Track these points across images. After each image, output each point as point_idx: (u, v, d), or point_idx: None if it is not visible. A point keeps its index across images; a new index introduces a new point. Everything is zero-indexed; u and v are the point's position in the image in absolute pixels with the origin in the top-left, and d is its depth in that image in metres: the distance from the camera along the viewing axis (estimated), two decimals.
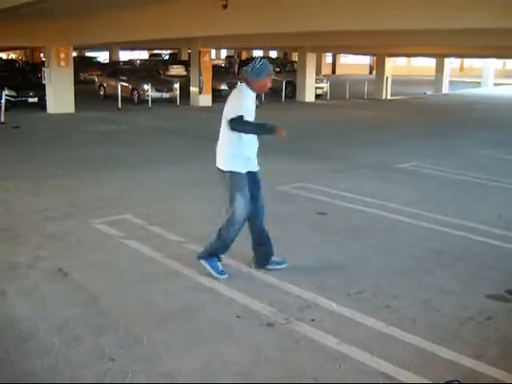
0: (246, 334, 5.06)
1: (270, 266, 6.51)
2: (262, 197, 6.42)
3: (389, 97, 34.73)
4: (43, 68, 25.04)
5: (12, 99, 23.83)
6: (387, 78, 35.09)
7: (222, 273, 6.29)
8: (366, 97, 32.71)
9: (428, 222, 8.50)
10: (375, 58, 41.70)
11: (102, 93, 31.08)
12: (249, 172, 6.26)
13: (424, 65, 58.64)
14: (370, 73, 60.57)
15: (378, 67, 36.44)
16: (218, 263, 6.36)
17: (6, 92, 22.61)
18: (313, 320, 5.29)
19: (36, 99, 24.89)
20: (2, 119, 20.09)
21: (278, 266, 6.52)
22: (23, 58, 57.11)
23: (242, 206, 6.12)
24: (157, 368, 4.50)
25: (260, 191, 6.38)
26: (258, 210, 6.37)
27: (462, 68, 62.58)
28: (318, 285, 6.11)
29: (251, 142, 6.27)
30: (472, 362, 4.64)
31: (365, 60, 65.55)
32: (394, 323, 5.25)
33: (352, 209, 9.27)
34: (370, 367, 4.53)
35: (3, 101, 21.15)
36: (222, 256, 6.45)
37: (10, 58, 59.12)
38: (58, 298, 5.80)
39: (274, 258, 6.55)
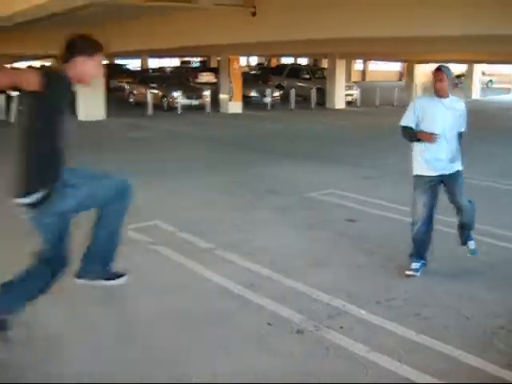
0: (275, 342, 5.04)
1: None
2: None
3: None
4: None
5: None
6: (416, 84, 34.90)
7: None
8: (396, 103, 32.52)
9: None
10: (405, 64, 41.55)
11: (131, 100, 31.31)
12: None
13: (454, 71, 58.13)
14: (400, 79, 60.30)
15: (408, 73, 36.29)
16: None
17: None
18: (342, 327, 5.26)
19: None
20: None
21: None
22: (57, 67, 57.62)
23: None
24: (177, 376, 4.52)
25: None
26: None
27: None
28: (347, 292, 6.08)
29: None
30: (503, 371, 4.58)
31: (395, 66, 65.30)
32: (425, 331, 5.19)
33: (383, 216, 9.21)
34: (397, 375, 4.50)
35: None
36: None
37: (42, 65, 59.82)
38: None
39: None
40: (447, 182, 6.66)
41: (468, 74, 41.02)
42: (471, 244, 6.88)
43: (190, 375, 4.47)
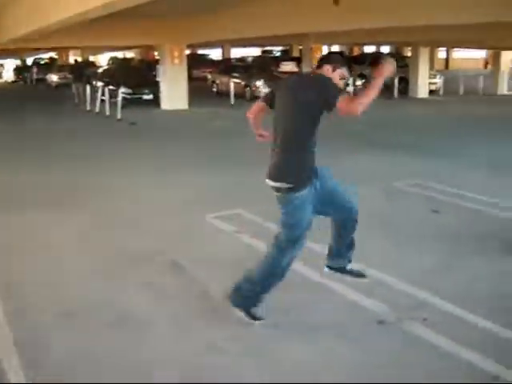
0: (357, 333, 5.03)
1: None
2: None
3: (505, 92, 33.59)
4: (157, 66, 25.68)
5: (128, 96, 24.59)
6: (503, 72, 33.96)
7: None
8: (481, 92, 31.80)
9: None
10: (491, 51, 40.53)
11: (214, 89, 31.61)
12: None
13: None
14: (485, 67, 58.80)
15: (494, 61, 35.36)
16: None
17: (122, 90, 23.33)
18: (425, 319, 5.20)
19: (151, 96, 25.58)
20: (119, 116, 20.71)
21: None
22: (138, 57, 58.69)
23: None
24: (268, 360, 4.56)
25: None
26: None
27: None
28: (432, 286, 5.99)
29: None
30: None
31: (480, 54, 63.73)
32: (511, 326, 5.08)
33: (471, 208, 9.00)
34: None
35: (120, 98, 21.83)
36: None
37: (125, 57, 60.98)
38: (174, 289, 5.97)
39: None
40: None
41: None
42: None
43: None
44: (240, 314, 5.08)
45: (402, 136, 16.71)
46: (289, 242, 4.90)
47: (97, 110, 22.69)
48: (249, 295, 5.07)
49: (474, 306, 5.42)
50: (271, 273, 4.99)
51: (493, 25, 18.62)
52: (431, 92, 32.00)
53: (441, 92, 32.38)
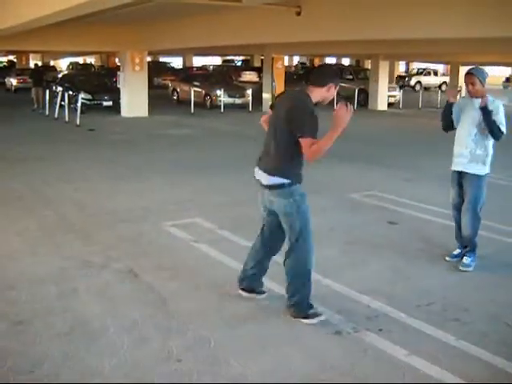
0: (313, 342, 5.04)
1: None
2: None
3: None
4: (118, 72, 25.55)
5: (87, 102, 24.41)
6: (461, 87, 34.43)
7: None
8: (439, 106, 32.21)
9: (500, 235, 8.28)
10: (449, 66, 41.09)
11: (175, 97, 31.52)
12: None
13: (495, 74, 57.43)
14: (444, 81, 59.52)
15: (452, 76, 35.83)
16: None
17: (81, 95, 23.15)
18: (381, 330, 5.24)
19: (111, 103, 25.41)
20: (78, 122, 20.54)
21: None
22: (99, 63, 58.33)
23: None
24: (222, 371, 4.53)
25: None
26: None
27: None
28: (387, 295, 6.05)
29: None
30: None
31: (438, 68, 64.48)
32: (464, 337, 5.14)
33: (423, 219, 9.14)
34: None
35: (79, 104, 21.65)
36: None
37: (85, 62, 60.56)
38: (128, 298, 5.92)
39: None
40: (464, 180, 6.89)
41: None
42: (465, 259, 6.97)
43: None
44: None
45: (361, 147, 16.84)
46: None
47: (56, 115, 22.46)
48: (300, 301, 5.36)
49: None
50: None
51: (450, 40, 18.91)
52: (390, 105, 32.29)
53: (400, 105, 32.70)
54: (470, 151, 6.75)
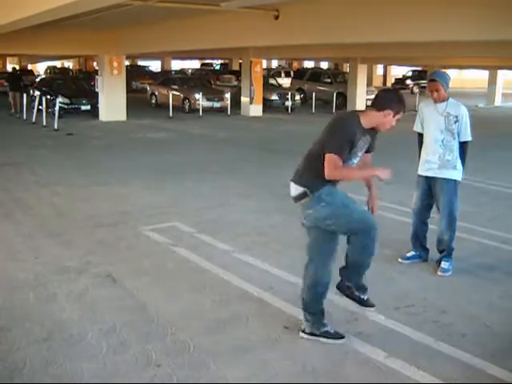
0: (292, 345, 5.05)
1: None
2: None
3: None
4: (96, 76, 25.44)
5: (65, 107, 24.28)
6: None
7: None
8: (417, 109, 32.27)
9: (479, 237, 8.35)
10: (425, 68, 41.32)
11: (153, 101, 31.44)
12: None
13: (476, 77, 57.90)
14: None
15: None
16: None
17: (59, 99, 23.03)
18: (360, 333, 5.26)
19: (89, 107, 25.27)
20: (56, 126, 20.42)
21: None
22: (77, 67, 58.10)
23: None
24: (202, 376, 4.52)
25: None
26: None
27: None
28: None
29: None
30: None
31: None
32: (443, 338, 5.17)
33: (397, 220, 9.15)
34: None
35: (57, 108, 21.54)
36: None
37: (63, 66, 60.27)
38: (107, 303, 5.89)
39: None
40: (434, 186, 6.90)
41: (492, 80, 40.40)
42: (443, 264, 6.97)
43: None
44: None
45: None
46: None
47: (33, 119, 22.31)
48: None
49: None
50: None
51: (428, 44, 19.05)
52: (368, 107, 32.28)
53: None
54: (438, 157, 6.75)
